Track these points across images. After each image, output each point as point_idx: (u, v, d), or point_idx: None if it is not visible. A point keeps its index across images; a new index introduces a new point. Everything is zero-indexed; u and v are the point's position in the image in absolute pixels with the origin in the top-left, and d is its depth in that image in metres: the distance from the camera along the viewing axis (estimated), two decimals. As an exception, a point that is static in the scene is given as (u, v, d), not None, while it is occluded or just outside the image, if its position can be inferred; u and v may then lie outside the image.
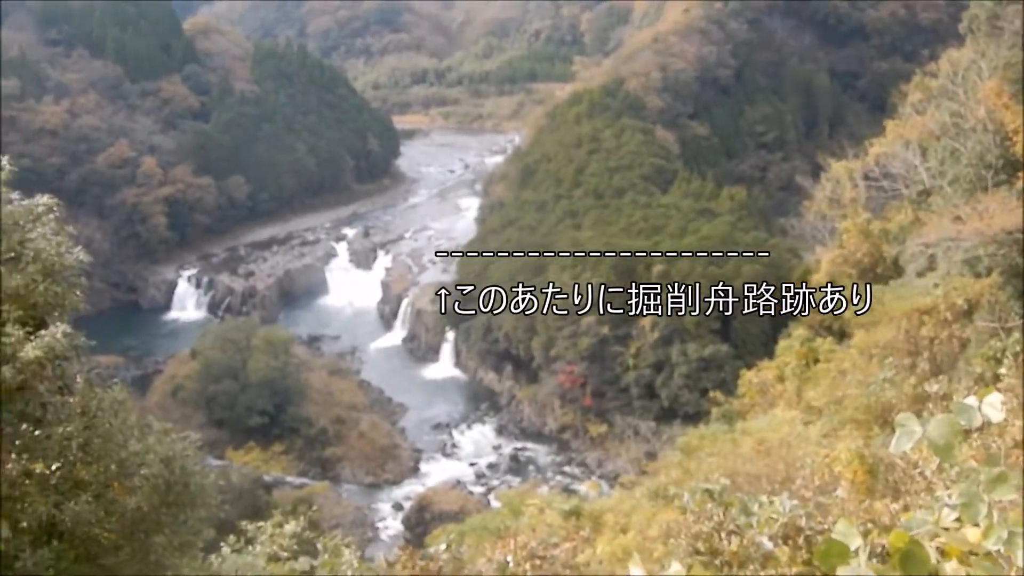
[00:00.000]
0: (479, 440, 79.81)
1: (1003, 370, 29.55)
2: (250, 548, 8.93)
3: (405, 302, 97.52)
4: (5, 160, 7.51)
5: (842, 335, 44.44)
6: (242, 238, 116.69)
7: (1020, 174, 30.93)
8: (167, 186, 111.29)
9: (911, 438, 3.30)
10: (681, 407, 68.78)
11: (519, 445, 78.32)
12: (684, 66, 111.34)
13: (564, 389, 77.13)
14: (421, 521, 62.73)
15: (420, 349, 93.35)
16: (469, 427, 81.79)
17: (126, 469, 7.28)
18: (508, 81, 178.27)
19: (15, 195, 7.65)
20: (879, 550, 3.13)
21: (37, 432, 6.78)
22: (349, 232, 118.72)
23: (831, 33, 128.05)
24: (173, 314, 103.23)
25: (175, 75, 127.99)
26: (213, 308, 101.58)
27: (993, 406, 3.26)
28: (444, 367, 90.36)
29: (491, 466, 75.71)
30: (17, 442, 6.70)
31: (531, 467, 74.81)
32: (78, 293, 7.72)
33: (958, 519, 2.94)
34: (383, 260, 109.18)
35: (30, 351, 6.75)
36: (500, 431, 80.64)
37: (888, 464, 21.62)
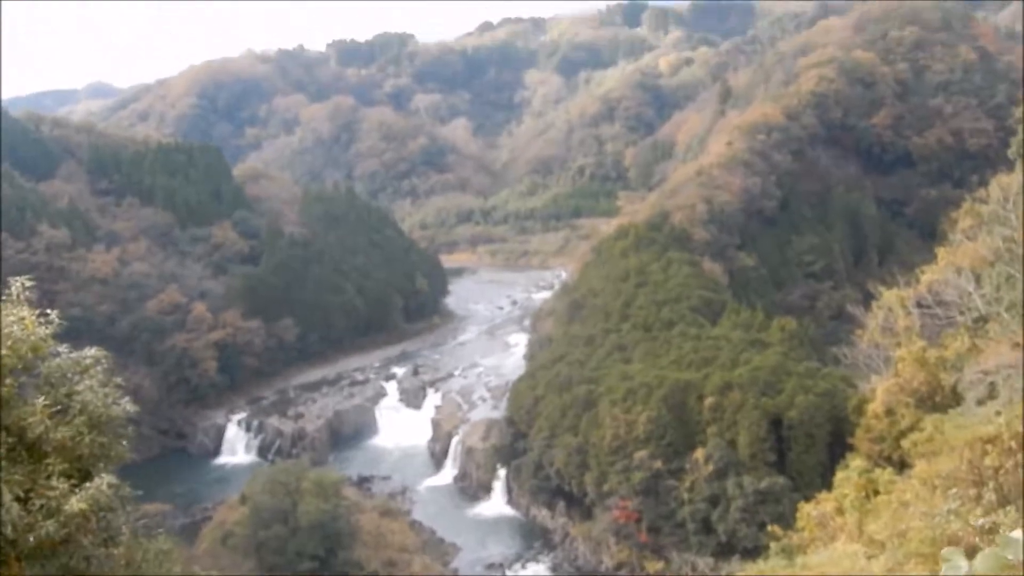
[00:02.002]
0: (533, 580, 78.54)
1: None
2: None
3: (455, 440, 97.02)
4: (54, 315, 7.65)
5: (902, 465, 43.75)
6: (292, 380, 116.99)
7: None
8: (217, 330, 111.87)
9: (957, 572, 3.27)
10: (739, 542, 67.43)
11: (575, 585, 76.94)
12: (729, 198, 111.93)
13: (618, 525, 75.95)
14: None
15: (471, 487, 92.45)
16: (523, 566, 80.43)
17: None
18: (553, 218, 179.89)
19: (64, 347, 7.78)
20: None
21: None
22: (398, 371, 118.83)
23: (876, 161, 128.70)
24: (223, 459, 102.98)
25: (225, 220, 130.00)
26: (263, 451, 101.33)
27: None
28: (496, 505, 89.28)
29: (547, 607, 74.52)
30: None
31: (589, 608, 73.47)
32: (124, 443, 7.76)
33: None
34: (433, 398, 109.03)
35: (75, 504, 6.78)
36: (555, 570, 79.24)
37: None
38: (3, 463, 6.20)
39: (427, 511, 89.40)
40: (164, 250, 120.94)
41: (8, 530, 6.31)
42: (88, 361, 7.74)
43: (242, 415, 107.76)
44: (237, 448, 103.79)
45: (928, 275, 60.13)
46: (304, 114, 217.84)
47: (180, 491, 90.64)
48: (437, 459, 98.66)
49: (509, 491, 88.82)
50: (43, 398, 7.18)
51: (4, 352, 6.85)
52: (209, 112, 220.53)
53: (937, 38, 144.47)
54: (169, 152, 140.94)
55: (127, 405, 8.08)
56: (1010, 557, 3.27)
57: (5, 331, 7.01)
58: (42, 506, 6.52)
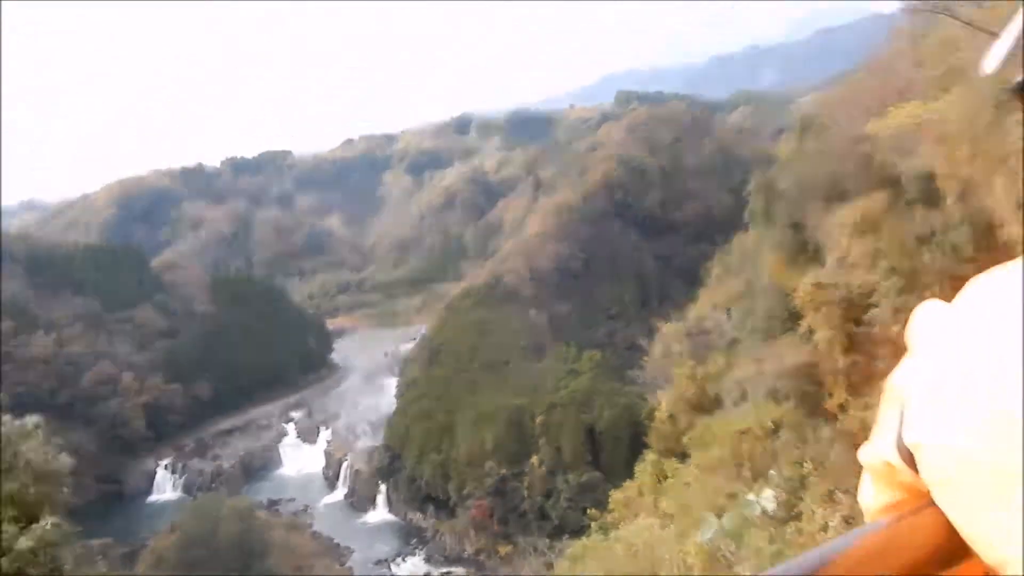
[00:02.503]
0: (413, 569, 77.66)
1: (805, 470, 29.95)
2: None
3: (345, 465, 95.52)
4: (3, 395, 7.41)
5: (684, 456, 44.57)
6: (208, 429, 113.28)
7: (800, 322, 31.99)
8: (144, 394, 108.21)
9: (712, 529, 3.35)
10: (568, 524, 67.76)
11: (445, 569, 76.37)
12: (546, 262, 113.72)
13: (476, 520, 75.86)
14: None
15: (360, 501, 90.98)
16: (404, 559, 79.63)
17: None
18: (413, 285, 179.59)
19: (7, 417, 7.52)
20: None
21: None
22: (296, 415, 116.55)
23: (651, 229, 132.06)
24: (154, 497, 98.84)
25: (146, 303, 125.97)
26: (187, 488, 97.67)
27: (768, 499, 3.31)
28: (380, 513, 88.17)
29: (424, 591, 73.63)
30: None
31: (456, 588, 72.83)
32: (65, 491, 7.45)
33: None
34: (324, 434, 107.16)
35: (23, 543, 6.52)
36: (428, 560, 78.68)
37: (725, 551, 21.61)
38: None
39: (325, 524, 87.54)
40: (95, 331, 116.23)
41: None
42: (29, 427, 7.49)
43: (168, 460, 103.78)
44: (165, 487, 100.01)
45: (694, 311, 61.93)
46: (207, 216, 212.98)
47: (119, 526, 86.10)
48: (331, 481, 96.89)
49: (390, 501, 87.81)
50: None
51: None
52: (127, 219, 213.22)
53: (688, 134, 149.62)
54: (95, 251, 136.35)
55: (65, 459, 7.83)
56: (746, 512, 3.38)
57: None
58: None
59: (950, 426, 0.73)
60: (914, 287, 26.59)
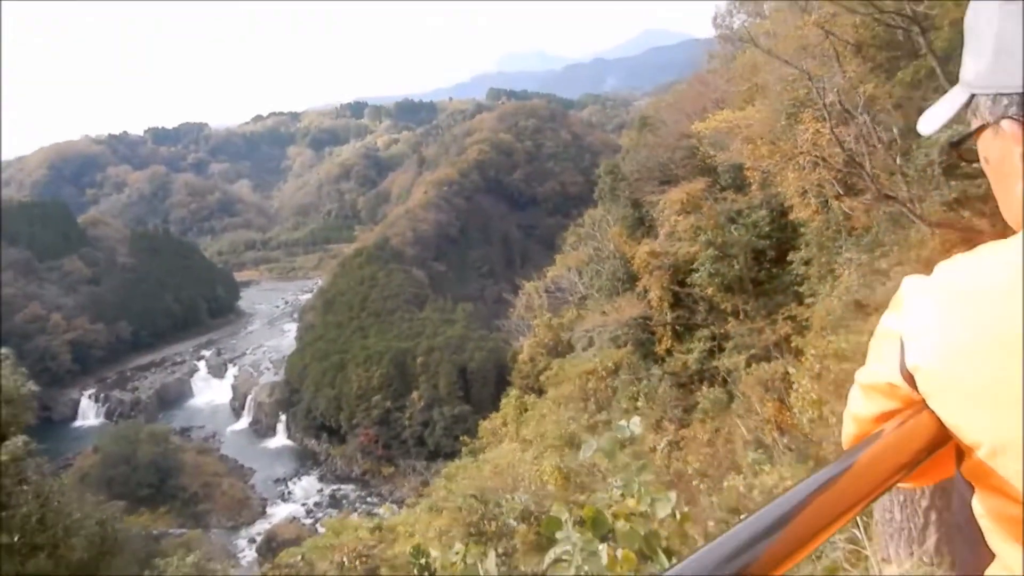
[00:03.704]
0: (307, 487, 76.68)
1: (639, 404, 31.08)
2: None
3: (249, 397, 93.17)
4: None
5: (540, 392, 45.51)
6: (128, 364, 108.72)
7: (637, 283, 32.95)
8: (70, 332, 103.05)
9: (590, 449, 3.60)
10: (442, 449, 68.43)
11: (336, 487, 75.68)
12: (427, 228, 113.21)
13: (363, 446, 75.55)
14: (270, 549, 58.94)
15: (262, 429, 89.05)
16: (299, 479, 78.52)
17: (71, 532, 6.85)
18: (312, 244, 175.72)
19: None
20: (578, 520, 3.15)
21: (3, 514, 6.30)
22: (207, 353, 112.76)
23: (517, 202, 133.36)
24: (78, 423, 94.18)
25: (73, 255, 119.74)
26: (109, 415, 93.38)
27: (636, 425, 3.58)
28: (280, 440, 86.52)
29: (317, 504, 72.79)
30: None
31: (344, 501, 72.31)
32: (28, 413, 7.21)
33: (622, 495, 3.12)
34: (232, 370, 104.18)
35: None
36: (321, 479, 77.83)
37: (575, 471, 22.37)
38: None
39: (231, 448, 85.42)
40: (27, 278, 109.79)
41: None
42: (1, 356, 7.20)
43: (92, 390, 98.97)
44: (89, 414, 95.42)
45: (551, 272, 62.80)
46: (130, 179, 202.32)
47: (49, 447, 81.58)
48: (237, 412, 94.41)
49: (288, 429, 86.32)
50: None
51: None
52: (58, 179, 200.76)
53: (548, 125, 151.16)
54: (28, 207, 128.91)
55: (31, 386, 7.57)
56: (619, 435, 3.61)
57: None
58: None
59: (941, 353, 0.94)
60: (724, 257, 27.91)
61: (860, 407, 1.16)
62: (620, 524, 3.01)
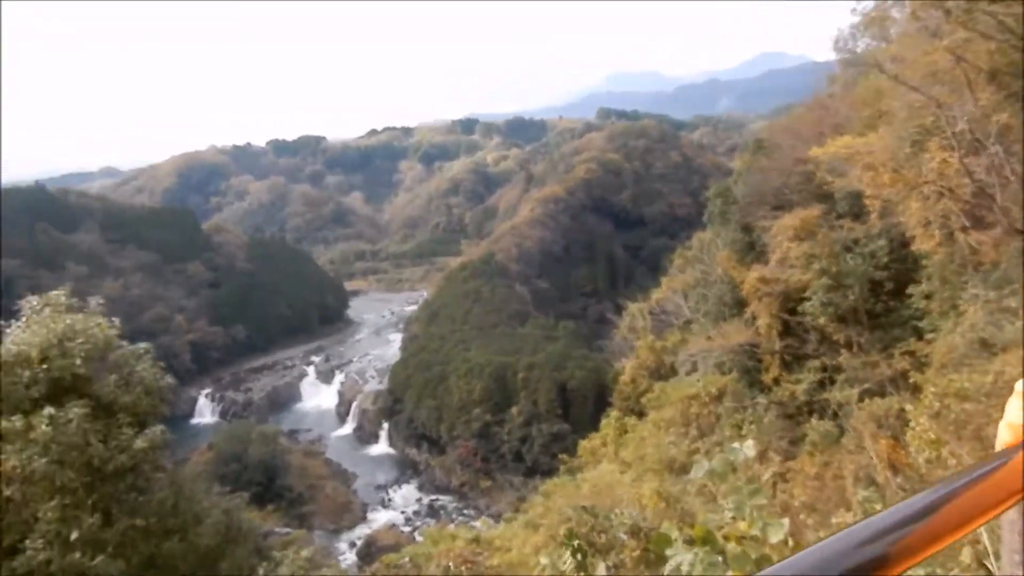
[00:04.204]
0: (406, 495, 77.99)
1: (743, 432, 30.44)
2: (279, 569, 8.91)
3: (354, 404, 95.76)
4: (116, 321, 7.72)
5: (641, 414, 45.04)
6: (242, 366, 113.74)
7: (745, 309, 32.38)
8: (191, 333, 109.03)
9: (702, 469, 3.67)
10: (540, 466, 68.45)
11: (434, 497, 76.67)
12: (532, 244, 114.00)
13: (462, 457, 76.33)
14: (369, 553, 60.56)
15: (365, 435, 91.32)
16: (399, 487, 79.98)
17: (200, 519, 7.34)
18: (419, 257, 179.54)
19: (124, 343, 7.83)
20: (687, 539, 3.17)
21: (140, 498, 6.83)
22: (316, 359, 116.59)
23: (623, 222, 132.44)
24: (196, 420, 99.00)
25: (196, 259, 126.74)
26: (223, 414, 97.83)
27: (749, 448, 3.62)
28: (382, 447, 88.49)
29: (415, 513, 73.96)
30: (128, 506, 6.73)
31: (442, 512, 73.15)
32: (166, 405, 7.79)
33: (733, 517, 3.12)
34: (339, 377, 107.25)
35: (140, 443, 6.87)
36: (420, 488, 79.01)
37: (677, 496, 22.14)
38: (87, 420, 6.25)
39: (335, 452, 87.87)
40: (153, 280, 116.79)
41: (96, 461, 6.35)
42: (141, 351, 7.83)
43: (209, 390, 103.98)
44: (205, 412, 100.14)
45: (656, 294, 62.20)
46: (251, 188, 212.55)
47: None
48: (342, 417, 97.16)
49: (390, 437, 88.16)
50: (113, 376, 7.22)
51: (89, 347, 6.91)
52: (185, 187, 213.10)
53: (657, 146, 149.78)
54: (157, 213, 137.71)
55: (168, 379, 8.18)
56: (731, 458, 3.64)
57: (88, 333, 7.06)
58: (116, 445, 6.57)
59: None
60: (839, 287, 27.12)
61: (1017, 416, 1.19)
62: (731, 546, 3.00)
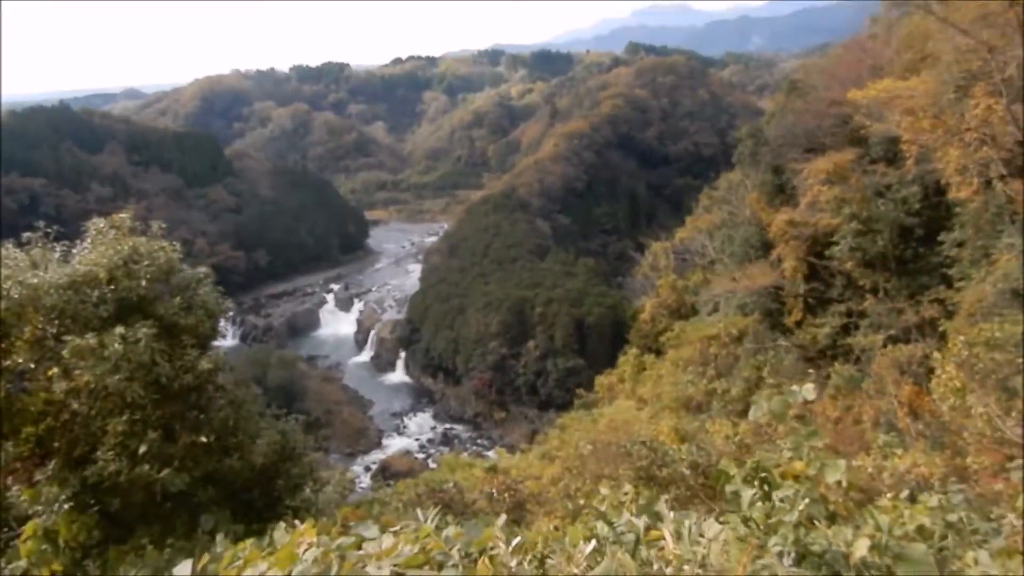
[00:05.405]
0: (421, 423, 79.35)
1: (763, 374, 30.52)
2: (326, 488, 9.20)
3: (372, 332, 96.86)
4: (178, 245, 7.85)
5: (659, 352, 45.41)
6: (263, 291, 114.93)
7: (771, 251, 32.23)
8: (213, 258, 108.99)
9: (760, 409, 3.71)
10: (554, 400, 69.31)
11: (448, 426, 78.02)
12: (554, 179, 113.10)
13: (477, 388, 77.32)
14: (384, 478, 61.86)
15: (382, 363, 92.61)
16: (415, 415, 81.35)
17: (257, 438, 7.56)
18: (440, 188, 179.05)
19: (186, 266, 7.95)
20: (747, 475, 3.17)
21: (202, 416, 7.03)
22: (335, 287, 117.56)
23: (647, 160, 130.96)
24: (216, 343, 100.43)
25: (218, 184, 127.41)
26: (244, 338, 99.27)
27: (808, 391, 3.62)
28: (399, 375, 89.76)
29: (430, 440, 75.34)
30: (190, 423, 6.93)
31: (456, 440, 74.52)
32: (225, 328, 7.96)
33: (791, 457, 3.14)
34: (358, 305, 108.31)
35: (204, 364, 7.05)
36: (435, 417, 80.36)
37: (691, 433, 22.45)
38: (154, 340, 6.40)
39: (352, 379, 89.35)
40: (176, 203, 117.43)
41: (163, 380, 6.54)
42: (202, 275, 7.96)
43: (230, 314, 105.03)
44: (227, 335, 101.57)
45: (680, 233, 62.03)
46: (273, 115, 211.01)
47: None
48: (360, 345, 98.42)
49: (407, 366, 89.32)
50: (177, 298, 7.37)
51: (153, 269, 7.06)
52: (208, 112, 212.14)
53: (686, 83, 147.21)
54: (181, 137, 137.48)
55: (228, 303, 8.34)
56: (790, 400, 3.66)
57: (152, 255, 7.20)
58: (181, 365, 6.75)
59: None
60: (868, 232, 26.91)
61: None
62: (787, 484, 3.03)
